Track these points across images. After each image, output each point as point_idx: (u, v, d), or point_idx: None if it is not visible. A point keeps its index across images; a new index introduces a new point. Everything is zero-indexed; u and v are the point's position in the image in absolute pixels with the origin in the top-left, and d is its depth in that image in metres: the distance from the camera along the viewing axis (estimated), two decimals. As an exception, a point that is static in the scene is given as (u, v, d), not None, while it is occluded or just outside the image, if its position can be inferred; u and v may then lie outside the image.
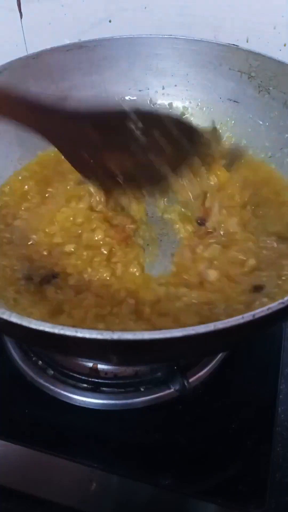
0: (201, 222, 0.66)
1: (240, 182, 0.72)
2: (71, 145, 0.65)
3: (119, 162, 0.64)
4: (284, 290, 0.57)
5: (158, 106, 0.85)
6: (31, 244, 0.64)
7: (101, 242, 0.63)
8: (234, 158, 0.76)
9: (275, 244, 0.63)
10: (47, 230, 0.65)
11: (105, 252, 0.62)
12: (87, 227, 0.65)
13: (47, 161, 0.77)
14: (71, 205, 0.68)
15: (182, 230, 0.67)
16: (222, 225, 0.65)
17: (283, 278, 0.58)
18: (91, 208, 0.67)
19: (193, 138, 0.66)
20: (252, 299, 0.56)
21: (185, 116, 0.84)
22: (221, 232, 0.65)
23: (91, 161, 0.64)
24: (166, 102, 0.85)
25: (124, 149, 0.64)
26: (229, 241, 0.63)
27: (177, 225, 0.68)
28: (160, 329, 0.40)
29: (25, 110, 0.62)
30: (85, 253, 0.62)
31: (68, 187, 0.71)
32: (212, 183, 0.69)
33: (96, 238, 0.64)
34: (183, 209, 0.69)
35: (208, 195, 0.68)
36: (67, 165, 0.70)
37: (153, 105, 0.85)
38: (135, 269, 0.61)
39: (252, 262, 0.60)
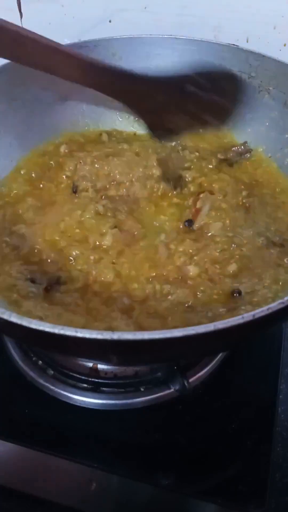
0: (189, 223, 0.66)
1: (237, 183, 0.72)
2: (144, 107, 0.77)
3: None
4: (261, 297, 0.56)
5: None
6: (36, 249, 0.63)
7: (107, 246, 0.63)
8: (235, 157, 0.76)
9: (262, 250, 0.62)
10: (54, 237, 0.64)
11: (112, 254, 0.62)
12: (95, 231, 0.64)
13: (47, 161, 0.77)
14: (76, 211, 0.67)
15: (167, 229, 0.66)
16: (206, 229, 0.64)
17: (265, 284, 0.57)
18: (97, 213, 0.66)
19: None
20: (230, 303, 0.55)
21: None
22: (208, 234, 0.64)
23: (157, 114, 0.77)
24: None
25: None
26: (211, 243, 0.62)
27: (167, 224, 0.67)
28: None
29: (107, 79, 0.72)
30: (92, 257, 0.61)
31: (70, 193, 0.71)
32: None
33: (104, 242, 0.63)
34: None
35: (201, 195, 0.68)
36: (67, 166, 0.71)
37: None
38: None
39: (233, 267, 0.59)
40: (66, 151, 0.78)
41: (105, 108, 0.84)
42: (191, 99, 0.75)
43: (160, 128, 0.79)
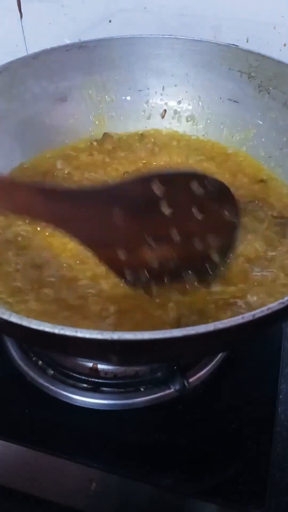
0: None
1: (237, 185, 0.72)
2: (98, 238, 0.53)
3: (162, 252, 0.52)
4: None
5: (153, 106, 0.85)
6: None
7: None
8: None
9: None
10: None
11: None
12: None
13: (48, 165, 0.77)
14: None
15: None
16: None
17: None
18: None
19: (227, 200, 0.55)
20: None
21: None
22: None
23: (127, 256, 0.52)
24: (166, 102, 0.85)
25: (161, 231, 0.52)
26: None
27: None
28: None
29: (29, 199, 0.49)
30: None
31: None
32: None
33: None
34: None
35: None
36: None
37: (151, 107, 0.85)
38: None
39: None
40: (63, 170, 0.75)
41: (105, 107, 0.85)
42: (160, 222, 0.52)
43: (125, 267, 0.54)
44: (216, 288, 0.57)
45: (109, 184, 0.56)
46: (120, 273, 0.54)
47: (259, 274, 0.59)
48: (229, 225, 0.55)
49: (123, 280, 0.55)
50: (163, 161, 0.79)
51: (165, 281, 0.55)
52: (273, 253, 0.62)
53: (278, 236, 0.64)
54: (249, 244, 0.62)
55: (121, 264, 0.53)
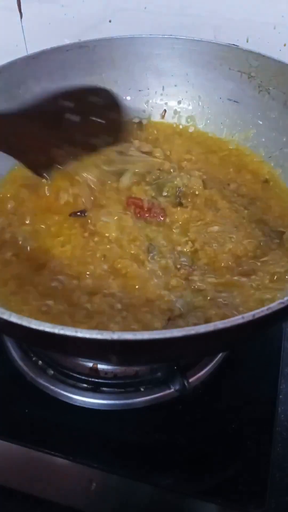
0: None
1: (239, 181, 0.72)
2: (19, 146, 0.67)
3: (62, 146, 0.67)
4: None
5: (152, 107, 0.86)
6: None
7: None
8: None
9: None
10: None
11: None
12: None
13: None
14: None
15: None
16: None
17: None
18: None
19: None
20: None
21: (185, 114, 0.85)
22: None
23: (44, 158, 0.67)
24: (166, 102, 0.85)
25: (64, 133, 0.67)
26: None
27: None
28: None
29: None
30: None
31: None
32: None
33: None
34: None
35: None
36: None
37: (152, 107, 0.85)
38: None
39: None
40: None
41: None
42: (68, 127, 0.68)
43: (41, 166, 0.69)
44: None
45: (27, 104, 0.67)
46: (37, 172, 0.69)
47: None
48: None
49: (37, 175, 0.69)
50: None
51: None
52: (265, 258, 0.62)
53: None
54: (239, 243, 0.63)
55: (38, 165, 0.68)
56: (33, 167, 0.69)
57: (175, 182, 0.70)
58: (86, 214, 0.67)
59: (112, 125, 0.72)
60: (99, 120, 0.69)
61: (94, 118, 0.69)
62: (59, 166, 0.68)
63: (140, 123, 0.84)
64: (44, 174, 0.69)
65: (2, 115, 0.65)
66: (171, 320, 0.55)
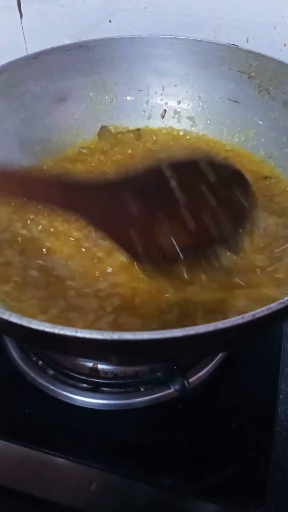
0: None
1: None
2: (112, 222, 0.55)
3: (172, 232, 0.53)
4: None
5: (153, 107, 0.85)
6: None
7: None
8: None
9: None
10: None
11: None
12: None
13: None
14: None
15: None
16: None
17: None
18: None
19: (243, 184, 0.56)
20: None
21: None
22: None
23: (140, 238, 0.53)
24: (166, 102, 0.85)
25: (174, 215, 0.53)
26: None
27: None
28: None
29: (44, 189, 0.54)
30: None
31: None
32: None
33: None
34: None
35: None
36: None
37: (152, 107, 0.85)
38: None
39: None
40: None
41: (105, 107, 0.85)
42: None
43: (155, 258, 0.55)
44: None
45: (121, 175, 0.57)
46: (134, 255, 0.55)
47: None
48: (242, 208, 0.55)
49: (136, 262, 0.56)
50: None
51: (179, 265, 0.55)
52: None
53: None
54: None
55: (135, 246, 0.54)
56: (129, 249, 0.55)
57: None
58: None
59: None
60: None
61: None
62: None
63: (138, 130, 0.84)
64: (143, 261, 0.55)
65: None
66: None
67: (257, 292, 0.56)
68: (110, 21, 0.89)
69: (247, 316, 0.41)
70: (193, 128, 0.84)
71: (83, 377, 0.64)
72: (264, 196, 0.70)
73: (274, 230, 0.64)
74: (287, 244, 0.62)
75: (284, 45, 0.83)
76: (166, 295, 0.57)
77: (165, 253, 0.54)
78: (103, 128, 0.82)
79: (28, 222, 0.66)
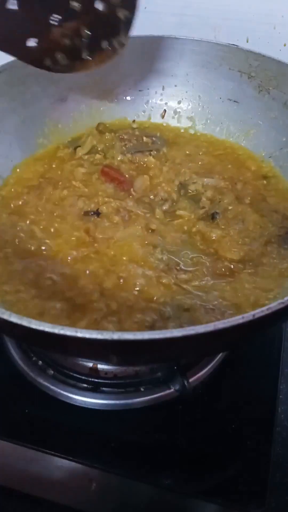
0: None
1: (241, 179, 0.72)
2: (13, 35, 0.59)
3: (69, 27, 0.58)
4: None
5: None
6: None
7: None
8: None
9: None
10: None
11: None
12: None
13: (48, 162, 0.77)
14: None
15: None
16: None
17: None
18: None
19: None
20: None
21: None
22: None
23: (41, 43, 0.59)
24: (166, 102, 0.85)
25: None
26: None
27: None
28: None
29: None
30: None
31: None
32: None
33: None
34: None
35: None
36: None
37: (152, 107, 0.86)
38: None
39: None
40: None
41: (105, 107, 0.85)
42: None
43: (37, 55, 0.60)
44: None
45: None
46: (40, 63, 0.61)
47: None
48: None
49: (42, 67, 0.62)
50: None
51: (83, 56, 0.62)
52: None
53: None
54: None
55: (37, 53, 0.60)
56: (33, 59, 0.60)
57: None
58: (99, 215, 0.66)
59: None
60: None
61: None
62: (51, 69, 0.60)
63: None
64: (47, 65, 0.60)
65: None
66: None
67: None
68: (110, 21, 0.89)
69: (247, 316, 0.41)
70: (193, 127, 0.84)
71: (83, 377, 0.64)
72: (258, 195, 0.71)
73: (251, 228, 0.65)
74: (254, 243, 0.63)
75: (284, 45, 0.83)
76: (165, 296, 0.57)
77: (64, 47, 0.60)
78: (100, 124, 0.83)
79: (28, 222, 0.66)
